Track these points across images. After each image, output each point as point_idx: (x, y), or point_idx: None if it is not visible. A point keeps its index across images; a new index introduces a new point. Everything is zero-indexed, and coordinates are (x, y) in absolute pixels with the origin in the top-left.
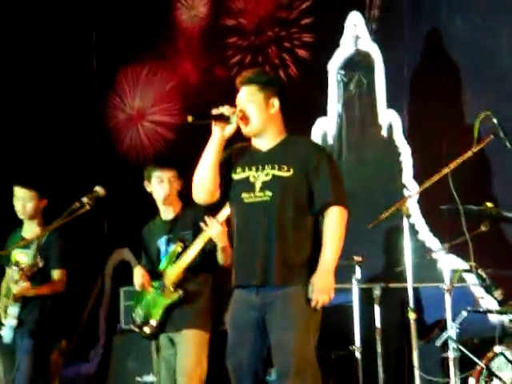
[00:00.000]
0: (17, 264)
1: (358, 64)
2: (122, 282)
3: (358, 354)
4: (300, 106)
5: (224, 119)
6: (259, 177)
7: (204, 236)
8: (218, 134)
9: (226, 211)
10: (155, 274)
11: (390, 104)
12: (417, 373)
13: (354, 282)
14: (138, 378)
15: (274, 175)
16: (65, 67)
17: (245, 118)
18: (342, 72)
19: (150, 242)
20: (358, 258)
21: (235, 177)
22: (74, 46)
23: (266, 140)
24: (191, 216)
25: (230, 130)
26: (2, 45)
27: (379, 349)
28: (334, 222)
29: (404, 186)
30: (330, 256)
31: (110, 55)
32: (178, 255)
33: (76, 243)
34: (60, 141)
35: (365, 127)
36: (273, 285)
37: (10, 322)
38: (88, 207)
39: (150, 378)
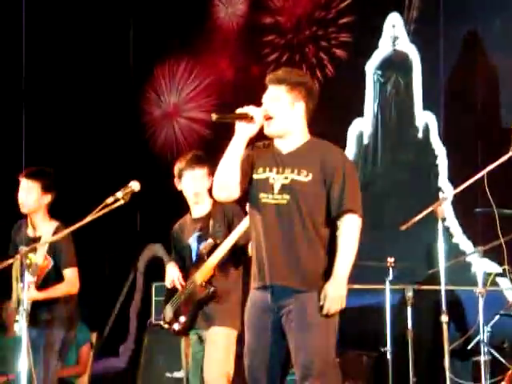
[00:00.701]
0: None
1: (396, 65)
2: (154, 277)
3: (389, 356)
4: (336, 107)
5: (248, 119)
6: (278, 179)
7: (236, 232)
8: (242, 134)
9: None
10: (186, 272)
11: (426, 105)
12: (448, 376)
13: (387, 283)
14: (168, 374)
15: (292, 179)
16: (102, 63)
17: (268, 118)
18: (380, 72)
19: (180, 240)
20: (390, 260)
21: (255, 176)
22: (112, 41)
23: (287, 142)
24: (222, 213)
25: (253, 129)
26: (43, 40)
27: (410, 351)
28: (348, 230)
29: (439, 189)
30: (343, 264)
31: (147, 51)
32: (209, 252)
33: (108, 238)
34: (96, 135)
35: (401, 128)
36: (287, 288)
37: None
38: (122, 202)
39: (179, 374)
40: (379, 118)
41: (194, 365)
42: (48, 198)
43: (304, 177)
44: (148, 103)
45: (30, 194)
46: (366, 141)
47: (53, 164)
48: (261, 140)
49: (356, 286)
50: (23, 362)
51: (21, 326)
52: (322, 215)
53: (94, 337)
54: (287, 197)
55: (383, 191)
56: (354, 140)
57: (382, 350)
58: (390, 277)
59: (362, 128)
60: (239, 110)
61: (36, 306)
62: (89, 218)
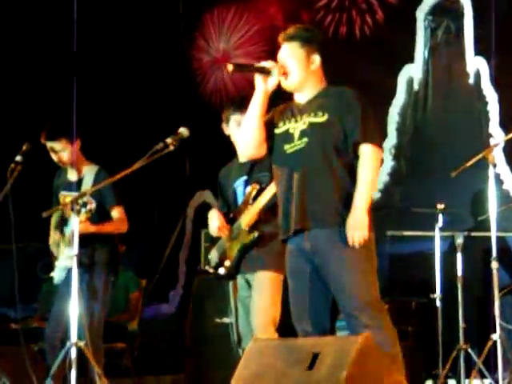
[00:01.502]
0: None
1: (447, 10)
2: (204, 224)
3: (438, 302)
4: (386, 53)
5: (265, 72)
6: (298, 127)
7: None
8: (261, 87)
9: None
10: (231, 216)
11: (478, 51)
12: (497, 322)
13: (437, 230)
14: (217, 319)
15: (310, 122)
16: (152, 10)
17: (285, 73)
18: (430, 18)
19: (226, 185)
20: (440, 206)
21: (277, 131)
22: None
23: (305, 93)
24: (268, 157)
25: (272, 83)
26: None
27: (460, 297)
28: (365, 160)
29: (490, 135)
30: (363, 195)
31: None
32: (254, 197)
33: (157, 185)
34: (146, 83)
35: (452, 75)
36: (323, 229)
37: (65, 262)
38: (172, 148)
39: (228, 319)
40: (429, 64)
41: (242, 310)
42: (78, 144)
43: (320, 117)
44: (197, 50)
45: (62, 152)
46: (416, 87)
47: (103, 110)
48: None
49: (406, 233)
50: (72, 307)
51: (59, 274)
52: (342, 151)
53: (143, 283)
54: (306, 139)
55: (433, 138)
56: (404, 86)
57: (432, 296)
58: (440, 223)
59: (412, 74)
60: (256, 64)
61: (80, 248)
62: (138, 165)
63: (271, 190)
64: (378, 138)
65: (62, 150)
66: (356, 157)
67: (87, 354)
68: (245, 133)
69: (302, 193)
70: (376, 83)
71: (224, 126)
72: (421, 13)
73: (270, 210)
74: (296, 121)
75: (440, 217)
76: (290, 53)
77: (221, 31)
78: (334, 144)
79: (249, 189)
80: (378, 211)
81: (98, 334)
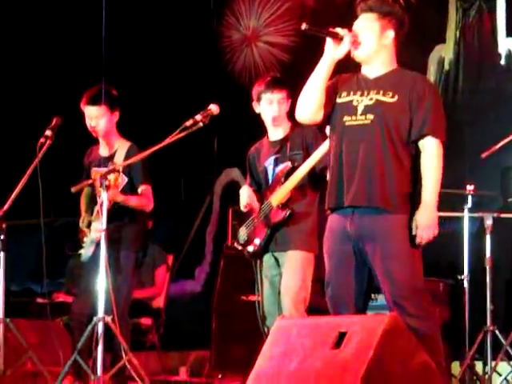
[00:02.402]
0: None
1: None
2: (231, 201)
3: (466, 284)
4: (418, 32)
5: (337, 38)
6: (363, 101)
7: (314, 156)
8: (330, 51)
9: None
10: (262, 194)
11: (510, 32)
12: None
13: (466, 211)
14: (243, 297)
15: (377, 99)
16: None
17: (357, 43)
18: None
19: (257, 163)
20: (470, 187)
21: (339, 100)
22: None
23: (374, 68)
24: (300, 136)
25: (341, 50)
26: None
27: (488, 279)
28: (432, 155)
29: None
30: (431, 191)
31: None
32: (286, 175)
33: (185, 162)
34: (175, 59)
35: (483, 55)
36: (369, 208)
37: (94, 235)
38: (201, 125)
39: (254, 297)
40: (461, 45)
41: (270, 288)
42: (116, 116)
43: (390, 97)
44: (227, 27)
45: (101, 119)
46: (446, 67)
47: (132, 87)
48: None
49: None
50: (100, 282)
51: (86, 250)
52: (405, 137)
53: (170, 259)
54: (371, 116)
55: (464, 119)
56: (435, 66)
57: (459, 277)
58: (469, 204)
59: (443, 54)
60: (330, 29)
61: (108, 224)
62: (167, 141)
63: (304, 169)
64: (444, 132)
65: (100, 117)
66: (417, 147)
67: (114, 329)
68: (305, 96)
69: (361, 170)
70: (407, 63)
71: (255, 104)
72: None
73: (302, 188)
74: (362, 94)
75: (469, 198)
76: (365, 24)
77: (251, 8)
78: (400, 128)
79: (281, 167)
80: None
81: (124, 310)
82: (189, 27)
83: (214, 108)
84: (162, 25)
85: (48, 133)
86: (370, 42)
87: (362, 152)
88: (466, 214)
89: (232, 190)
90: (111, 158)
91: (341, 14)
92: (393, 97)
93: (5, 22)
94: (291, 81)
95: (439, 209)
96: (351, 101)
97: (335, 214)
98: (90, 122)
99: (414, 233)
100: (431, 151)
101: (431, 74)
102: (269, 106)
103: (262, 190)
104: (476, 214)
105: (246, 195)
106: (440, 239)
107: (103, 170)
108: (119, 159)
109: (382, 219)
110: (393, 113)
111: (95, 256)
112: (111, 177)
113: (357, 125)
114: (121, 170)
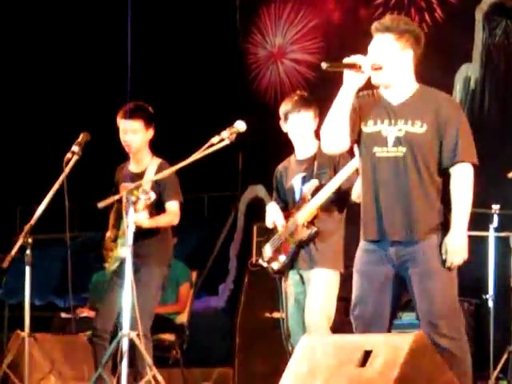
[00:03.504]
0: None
1: (506, 10)
2: (256, 218)
3: (490, 303)
4: (444, 51)
5: (356, 68)
6: (392, 132)
7: (341, 175)
8: (350, 83)
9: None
10: (288, 212)
11: None
12: None
13: (491, 230)
14: (267, 314)
15: (407, 131)
16: (208, 3)
17: (377, 68)
18: (489, 17)
19: (284, 180)
20: (495, 207)
21: (366, 130)
22: None
23: (396, 91)
24: (328, 155)
25: (361, 79)
26: None
27: None
28: (463, 179)
29: None
30: (461, 215)
31: None
32: (313, 193)
33: (209, 178)
34: (201, 76)
35: (509, 74)
36: (414, 241)
37: (120, 251)
38: (228, 141)
39: (278, 314)
40: (487, 64)
41: (295, 306)
42: (151, 133)
43: (419, 127)
44: (253, 44)
45: (136, 134)
46: (472, 86)
47: (158, 104)
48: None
49: None
50: (125, 298)
51: (112, 264)
52: (436, 165)
53: (194, 276)
54: (403, 149)
55: (489, 137)
56: (461, 85)
57: (484, 297)
58: (495, 224)
59: (469, 73)
60: (347, 60)
61: (134, 240)
62: (194, 157)
63: (330, 188)
64: (474, 154)
65: (135, 132)
66: (447, 172)
67: (138, 345)
68: (329, 128)
69: (394, 205)
70: (433, 82)
71: (282, 123)
72: (480, 12)
73: (328, 206)
74: (390, 124)
75: (495, 217)
76: (383, 46)
77: (277, 26)
78: (431, 158)
79: (308, 185)
80: None
81: (148, 326)
82: (215, 45)
83: (240, 125)
84: (189, 42)
85: (75, 148)
86: (391, 65)
87: (396, 186)
88: (491, 234)
89: (256, 206)
90: (141, 174)
91: (366, 30)
92: (421, 126)
93: (36, 37)
94: (317, 98)
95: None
96: (380, 131)
97: (371, 243)
98: (125, 136)
99: (443, 257)
100: (463, 176)
101: (457, 93)
102: (296, 125)
103: (289, 207)
104: (501, 234)
105: (272, 212)
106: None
107: (130, 185)
108: (149, 176)
109: (421, 246)
110: (424, 144)
111: (120, 272)
112: (141, 200)
113: (389, 157)
114: (149, 187)
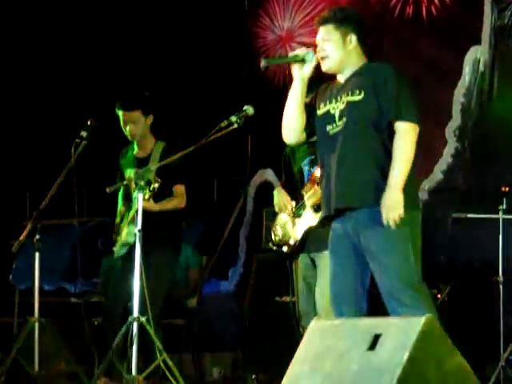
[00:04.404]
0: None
1: None
2: (265, 202)
3: (500, 286)
4: (453, 33)
5: (299, 60)
6: (338, 107)
7: None
8: (297, 75)
9: None
10: (297, 195)
11: None
12: None
13: (500, 212)
14: (277, 298)
15: (347, 101)
16: None
17: (322, 57)
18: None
19: (292, 164)
20: (505, 188)
21: (318, 112)
22: None
23: (345, 74)
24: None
25: (307, 69)
26: None
27: None
28: (400, 138)
29: None
30: (398, 173)
31: None
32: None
33: (219, 163)
34: (209, 60)
35: None
36: (349, 208)
37: (127, 238)
38: (236, 125)
39: (288, 297)
40: (496, 46)
41: (305, 289)
42: (151, 119)
43: (357, 96)
44: (261, 28)
45: (136, 124)
46: (481, 69)
47: (168, 89)
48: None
49: (470, 215)
50: (135, 283)
51: (119, 249)
52: (378, 128)
53: (203, 260)
54: (344, 119)
55: (499, 122)
56: (470, 67)
57: (494, 279)
58: (504, 206)
59: (478, 55)
60: (290, 54)
61: (143, 225)
62: (202, 142)
63: None
64: (414, 114)
65: (135, 122)
66: (393, 133)
67: (149, 329)
68: (286, 120)
69: (341, 172)
70: (442, 64)
71: None
72: None
73: None
74: (336, 100)
75: (504, 199)
76: (326, 36)
77: (286, 9)
78: (370, 122)
79: (316, 168)
80: (440, 193)
81: (157, 310)
82: (223, 29)
83: (249, 109)
84: (197, 27)
85: (83, 133)
86: (334, 52)
87: (341, 156)
88: (500, 216)
89: (266, 191)
90: (146, 159)
91: (375, 12)
92: (359, 94)
93: (46, 28)
94: (326, 81)
95: (474, 209)
96: (328, 110)
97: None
98: (125, 127)
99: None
100: (400, 134)
101: (466, 75)
102: None
103: (297, 190)
104: (511, 216)
105: (280, 196)
106: (475, 240)
107: (138, 170)
108: (154, 161)
109: (370, 214)
110: (362, 109)
111: (129, 256)
112: (146, 192)
113: (337, 131)
114: (154, 172)
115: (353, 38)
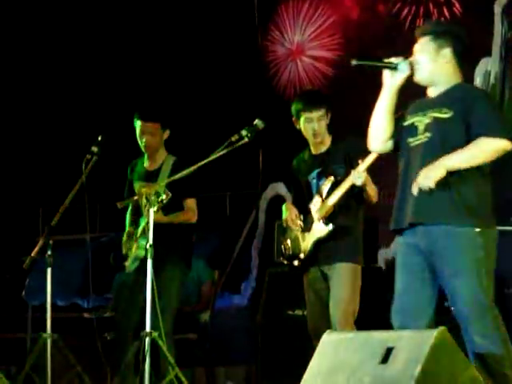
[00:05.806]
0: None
1: None
2: (277, 216)
3: None
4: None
5: (391, 67)
6: (422, 120)
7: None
8: (387, 82)
9: (369, 159)
10: (305, 208)
11: None
12: None
13: None
14: (290, 312)
15: (434, 117)
16: (226, 0)
17: (416, 68)
18: (509, 10)
19: (299, 177)
20: None
21: (404, 124)
22: None
23: (437, 88)
24: (342, 150)
25: (399, 78)
26: None
27: None
28: (486, 142)
29: None
30: (455, 157)
31: None
32: (330, 189)
33: (230, 177)
34: (219, 74)
35: None
36: (433, 224)
37: (138, 252)
38: (247, 139)
39: (301, 311)
40: (507, 58)
41: (317, 302)
42: (168, 134)
43: (444, 114)
44: (272, 42)
45: (154, 136)
46: (492, 81)
47: (179, 102)
48: None
49: None
50: (147, 298)
51: (131, 263)
52: (462, 147)
53: (216, 274)
54: (429, 134)
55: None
56: (481, 79)
57: (507, 291)
58: None
59: (489, 68)
60: (384, 60)
61: (153, 239)
62: (213, 156)
63: (347, 183)
64: (504, 131)
65: (152, 134)
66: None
67: (161, 344)
68: (373, 128)
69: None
70: None
71: (294, 120)
72: (498, 5)
73: (346, 202)
74: (424, 115)
75: None
76: (421, 47)
77: (296, 23)
78: (455, 141)
79: (324, 181)
80: None
81: (170, 325)
82: (234, 42)
83: (259, 123)
84: (208, 40)
85: (94, 149)
86: (427, 64)
87: (420, 170)
88: None
89: (278, 204)
90: (157, 172)
91: (385, 26)
92: (448, 112)
93: (56, 39)
94: (336, 95)
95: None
96: (413, 122)
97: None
98: (142, 137)
99: None
100: (483, 140)
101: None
102: (308, 124)
103: (306, 203)
104: None
105: (288, 210)
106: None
107: (148, 184)
108: (165, 174)
109: (446, 232)
110: (448, 127)
111: (140, 270)
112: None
113: (418, 144)
114: (164, 185)
115: (447, 52)
